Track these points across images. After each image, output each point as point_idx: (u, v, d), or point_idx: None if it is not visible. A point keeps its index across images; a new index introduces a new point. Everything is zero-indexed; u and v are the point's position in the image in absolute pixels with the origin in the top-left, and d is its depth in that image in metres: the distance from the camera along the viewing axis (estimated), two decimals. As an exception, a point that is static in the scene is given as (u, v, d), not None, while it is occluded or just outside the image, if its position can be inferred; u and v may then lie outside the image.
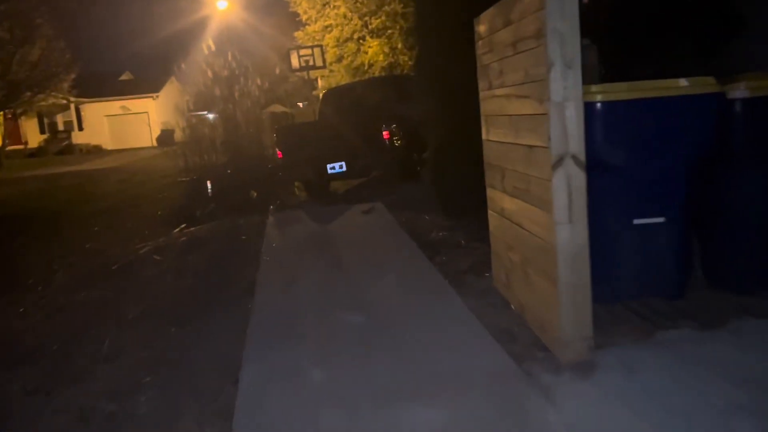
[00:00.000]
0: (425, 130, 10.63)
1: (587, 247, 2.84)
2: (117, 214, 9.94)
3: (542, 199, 2.92)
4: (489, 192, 3.97)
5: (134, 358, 3.65)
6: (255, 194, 10.01)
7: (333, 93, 10.94)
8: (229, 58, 16.69)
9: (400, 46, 22.21)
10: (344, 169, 8.91)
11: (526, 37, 2.94)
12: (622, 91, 3.01)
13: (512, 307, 3.61)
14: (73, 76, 26.75)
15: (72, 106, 32.07)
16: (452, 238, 5.43)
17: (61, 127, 33.34)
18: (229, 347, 3.53)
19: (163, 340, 3.91)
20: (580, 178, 2.79)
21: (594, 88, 3.07)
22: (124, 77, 33.50)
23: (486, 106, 3.82)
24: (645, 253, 3.20)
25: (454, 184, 5.77)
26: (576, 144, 2.77)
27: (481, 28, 3.75)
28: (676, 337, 2.87)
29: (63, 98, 29.91)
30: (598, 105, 3.01)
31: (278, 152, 9.27)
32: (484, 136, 3.94)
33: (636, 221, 3.17)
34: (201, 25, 25.16)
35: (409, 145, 9.34)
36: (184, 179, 12.26)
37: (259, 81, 13.40)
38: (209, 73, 16.86)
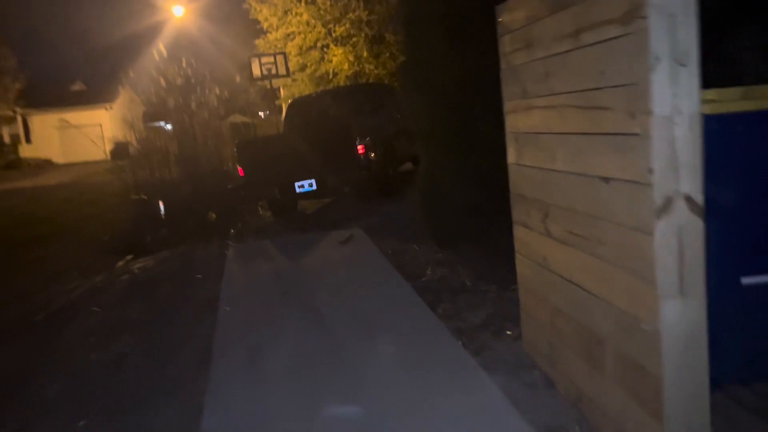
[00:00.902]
0: (404, 143, 9.70)
1: (705, 327, 1.91)
2: (56, 241, 8.65)
3: (629, 257, 1.97)
4: (519, 231, 2.99)
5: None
6: (213, 216, 8.88)
7: (299, 103, 9.89)
8: (186, 66, 15.46)
9: (365, 54, 21.29)
10: (314, 187, 7.87)
11: (601, 23, 1.99)
12: (739, 99, 2.08)
13: (560, 390, 2.65)
14: (18, 86, 24.91)
15: (19, 117, 30.08)
16: (454, 276, 4.45)
17: (6, 140, 31.19)
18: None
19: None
20: (696, 229, 1.85)
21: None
22: (76, 87, 31.53)
23: (517, 121, 2.85)
24: (758, 323, 2.29)
25: (450, 207, 4.81)
26: (691, 179, 1.83)
27: (511, 18, 2.78)
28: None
29: (9, 109, 27.96)
30: (705, 119, 2.07)
31: (239, 169, 8.16)
32: (512, 159, 2.97)
33: (746, 280, 2.25)
34: (157, 33, 23.78)
35: (385, 160, 8.37)
36: (136, 198, 11.01)
37: (217, 90, 12.28)
38: (165, 83, 15.60)
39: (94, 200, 12.55)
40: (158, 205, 9.11)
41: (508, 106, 2.95)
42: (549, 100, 2.48)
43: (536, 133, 2.64)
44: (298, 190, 7.89)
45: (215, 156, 11.09)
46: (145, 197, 9.66)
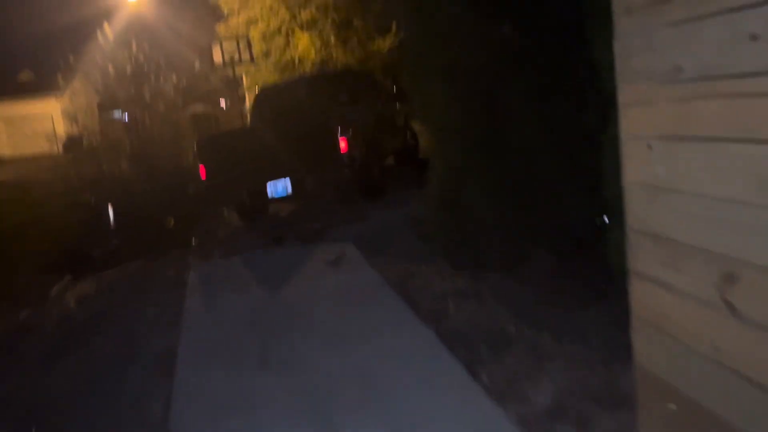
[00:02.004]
0: (387, 137, 8.52)
1: None
2: (-17, 256, 7.24)
3: None
4: (648, 293, 1.87)
5: None
6: (172, 221, 7.59)
7: (268, 92, 8.59)
8: (140, 53, 13.93)
9: (332, 40, 19.95)
10: (289, 190, 6.66)
11: None
12: None
13: None
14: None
15: (-42, 109, 27.63)
16: (487, 316, 3.34)
17: (-52, 133, 28.57)
18: None
19: None
20: None
21: None
22: (22, 76, 29.11)
23: (650, 117, 1.74)
24: None
25: (474, 222, 3.71)
26: None
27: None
28: None
29: (-51, 101, 25.55)
30: None
31: (201, 169, 6.87)
32: (633, 177, 1.86)
33: None
34: (108, 17, 21.91)
35: (369, 157, 7.20)
36: (86, 200, 9.59)
37: (176, 79, 10.91)
38: (119, 71, 14.05)
39: (37, 202, 11.00)
40: (108, 209, 7.76)
41: (626, 93, 1.84)
42: (749, 84, 1.38)
43: (707, 138, 1.54)
44: (270, 193, 6.67)
45: (173, 151, 9.75)
46: (93, 200, 8.27)
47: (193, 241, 6.62)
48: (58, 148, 24.79)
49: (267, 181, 6.52)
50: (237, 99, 21.63)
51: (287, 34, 20.06)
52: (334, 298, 3.91)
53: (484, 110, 3.41)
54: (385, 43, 20.45)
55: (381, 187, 7.34)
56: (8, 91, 27.06)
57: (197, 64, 20.46)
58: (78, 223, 8.04)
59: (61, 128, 25.17)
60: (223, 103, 33.83)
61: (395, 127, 9.14)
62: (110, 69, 14.95)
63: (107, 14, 20.96)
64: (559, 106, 3.26)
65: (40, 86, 27.23)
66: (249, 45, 14.06)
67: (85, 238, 7.23)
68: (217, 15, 20.62)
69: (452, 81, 3.43)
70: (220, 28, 19.92)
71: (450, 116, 3.53)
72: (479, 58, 3.34)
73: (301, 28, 19.98)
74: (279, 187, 6.62)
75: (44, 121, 25.90)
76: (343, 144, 6.57)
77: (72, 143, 21.46)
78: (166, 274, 5.14)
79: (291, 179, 6.56)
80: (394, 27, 20.62)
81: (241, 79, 21.45)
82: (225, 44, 14.22)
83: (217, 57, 14.16)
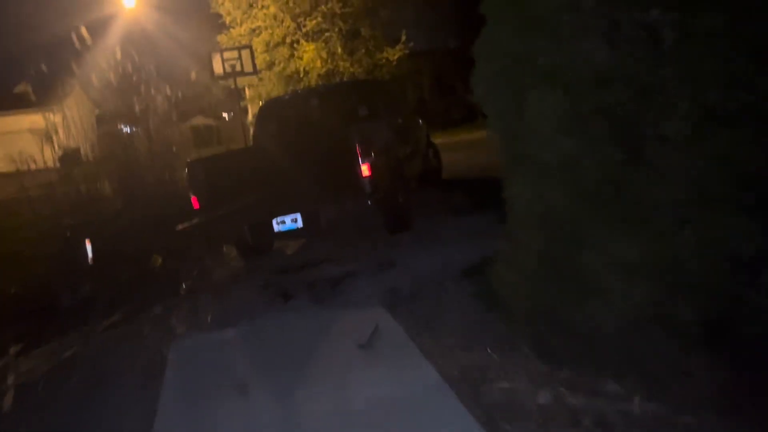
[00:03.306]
0: (412, 158, 7.19)
1: None
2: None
3: None
4: None
5: None
6: (159, 261, 6.24)
7: (274, 106, 7.23)
8: (139, 64, 12.67)
9: (339, 50, 18.70)
10: (299, 224, 5.31)
11: None
12: None
13: None
14: (-48, 87, 21.43)
15: (-47, 122, 26.32)
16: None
17: (-59, 147, 27.14)
18: None
19: None
20: None
21: None
22: (20, 89, 27.84)
23: None
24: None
25: (594, 297, 2.38)
26: None
27: None
28: None
29: (-57, 113, 24.29)
30: None
31: (193, 199, 5.53)
32: None
33: None
34: (107, 28, 20.66)
35: (395, 183, 5.87)
36: (66, 226, 8.23)
37: (168, 90, 9.62)
38: (117, 83, 12.78)
39: (17, 228, 9.65)
40: (84, 245, 6.39)
41: None
42: None
43: None
44: (277, 228, 5.33)
45: (171, 166, 8.41)
46: (70, 232, 6.91)
47: (182, 289, 5.27)
48: (54, 163, 23.51)
49: (273, 216, 5.18)
50: (239, 111, 20.35)
51: (292, 45, 18.83)
52: (372, 416, 2.54)
53: (627, 138, 2.08)
54: (394, 54, 19.23)
55: (409, 220, 6.01)
56: (4, 105, 25.81)
57: (198, 76, 19.21)
58: (50, 258, 6.68)
59: (58, 142, 23.82)
60: (225, 115, 32.53)
61: (419, 144, 7.83)
62: (108, 81, 13.75)
63: (105, 25, 19.72)
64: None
65: (37, 99, 25.98)
66: (252, 54, 12.76)
67: (54, 280, 5.87)
68: (218, 25, 19.39)
69: (576, 93, 2.10)
70: (222, 38, 18.69)
71: (565, 144, 2.18)
72: (625, 58, 2.01)
73: (307, 38, 18.76)
74: (287, 220, 5.28)
75: (40, 135, 24.59)
76: (364, 168, 5.23)
77: (68, 157, 20.12)
78: (140, 351, 3.77)
79: (302, 214, 5.22)
80: (403, 36, 19.43)
81: (243, 90, 20.16)
82: (226, 53, 12.91)
83: (218, 67, 12.85)
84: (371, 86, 7.27)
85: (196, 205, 5.53)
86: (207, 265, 6.04)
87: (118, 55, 13.69)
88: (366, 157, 5.24)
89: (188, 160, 5.91)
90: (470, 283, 4.04)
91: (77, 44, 13.38)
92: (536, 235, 2.49)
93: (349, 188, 5.28)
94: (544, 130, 2.21)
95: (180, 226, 5.08)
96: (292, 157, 5.76)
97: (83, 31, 13.42)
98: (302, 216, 5.23)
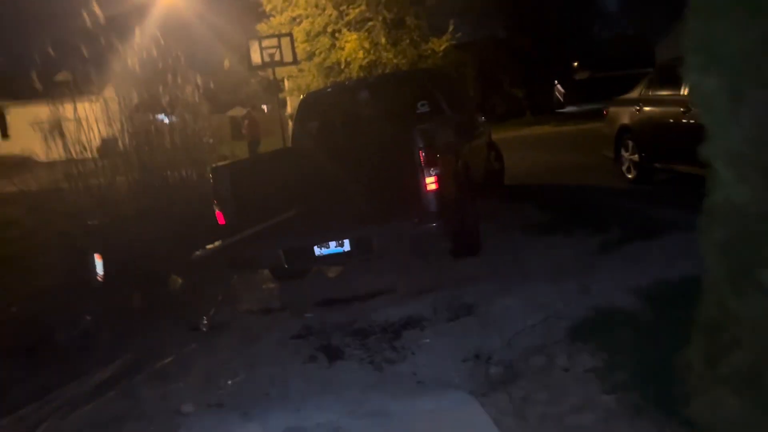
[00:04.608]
0: (479, 166, 5.91)
1: None
2: None
3: None
4: None
5: None
6: (179, 282, 5.19)
7: (318, 101, 5.98)
8: (177, 53, 11.69)
9: (383, 41, 17.45)
10: (346, 247, 4.14)
11: None
12: None
13: None
14: (-7, 74, 21.05)
15: (-9, 110, 26.12)
16: None
17: (-26, 136, 26.94)
18: None
19: None
20: None
21: None
22: (60, 77, 27.50)
23: None
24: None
25: None
26: None
27: None
28: None
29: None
30: None
31: (218, 214, 4.42)
32: None
33: None
34: (146, 15, 19.86)
35: (463, 197, 4.66)
36: (84, 231, 7.25)
37: (199, 80, 8.60)
38: (155, 72, 11.83)
39: (35, 229, 8.76)
40: (94, 260, 5.37)
41: None
42: None
43: None
44: (318, 252, 4.17)
45: (193, 174, 7.36)
46: (78, 245, 5.87)
47: (204, 325, 4.18)
48: (92, 152, 22.99)
49: (315, 242, 4.04)
50: (277, 104, 19.29)
51: (333, 34, 17.68)
52: None
53: None
54: (440, 44, 17.88)
55: (477, 241, 4.80)
56: (45, 93, 25.41)
57: (236, 66, 18.20)
58: (57, 272, 5.69)
59: (97, 131, 23.28)
60: (264, 106, 31.59)
61: (482, 146, 6.59)
62: (146, 69, 12.97)
63: (144, 13, 18.91)
64: None
65: (78, 88, 25.47)
66: (292, 42, 11.64)
67: (57, 301, 4.87)
68: (257, 14, 18.36)
69: None
70: (261, 27, 17.65)
71: None
72: None
73: (349, 27, 17.58)
74: (332, 247, 4.12)
75: (80, 124, 24.11)
76: (430, 180, 4.03)
77: (108, 146, 19.45)
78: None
79: (351, 239, 4.06)
80: (450, 26, 18.07)
81: (282, 82, 19.09)
82: (265, 42, 11.84)
83: (256, 56, 11.80)
84: (431, 77, 5.98)
85: (221, 219, 4.42)
86: (233, 290, 4.95)
87: (158, 44, 12.76)
88: (432, 166, 4.03)
89: (213, 166, 4.79)
90: (588, 353, 2.83)
91: (115, 34, 12.52)
92: None
93: (411, 204, 4.09)
94: None
95: (198, 252, 3.98)
96: (338, 164, 4.61)
97: (123, 19, 12.55)
98: (351, 241, 4.06)
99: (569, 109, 24.79)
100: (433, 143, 4.11)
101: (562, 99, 26.31)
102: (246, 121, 18.98)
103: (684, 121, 5.42)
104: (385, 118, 5.16)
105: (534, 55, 23.01)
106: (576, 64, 29.55)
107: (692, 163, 5.52)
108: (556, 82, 25.91)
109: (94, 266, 5.36)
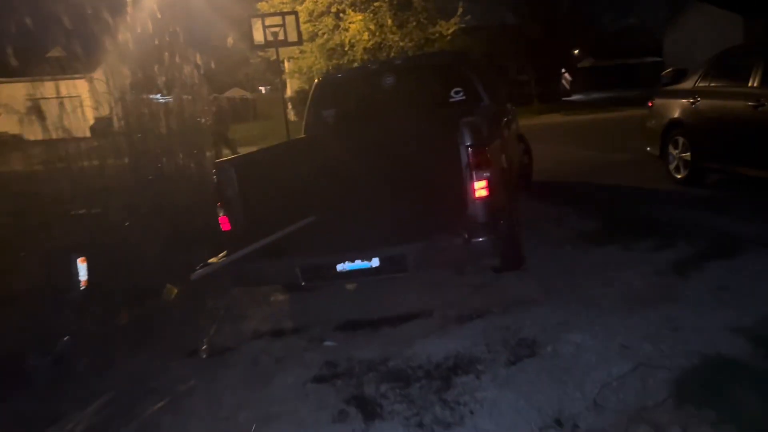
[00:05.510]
0: (513, 158, 5.11)
1: None
2: None
3: None
4: None
5: None
6: (174, 293, 4.44)
7: (335, 86, 5.08)
8: (175, 30, 10.81)
9: (389, 22, 16.57)
10: (375, 263, 3.41)
11: None
12: None
13: None
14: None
15: (-15, 87, 24.99)
16: None
17: (-31, 112, 25.78)
18: None
19: None
20: None
21: None
22: (53, 53, 26.42)
23: None
24: None
25: None
26: None
27: None
28: None
29: (-27, 77, 22.94)
30: None
31: (222, 218, 3.68)
32: None
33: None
34: (141, -9, 18.82)
35: (510, 206, 3.94)
36: (79, 213, 6.46)
37: (198, 59, 7.79)
38: (152, 50, 10.95)
39: (12, 217, 7.93)
40: (76, 265, 4.60)
41: None
42: None
43: None
44: (340, 267, 3.44)
45: (191, 163, 6.58)
46: (52, 249, 5.06)
47: (203, 350, 3.46)
48: (86, 131, 22.05)
49: (338, 260, 3.31)
50: (280, 85, 18.41)
51: (338, 14, 16.80)
52: None
53: None
54: (448, 27, 17.02)
55: (521, 253, 4.08)
56: (36, 70, 24.37)
57: (235, 46, 17.26)
58: (31, 275, 4.91)
59: (91, 110, 22.34)
60: (262, 88, 30.62)
61: (516, 140, 5.86)
62: (142, 46, 12.14)
63: (139, -14, 17.87)
64: None
65: (71, 65, 24.45)
66: (297, 20, 10.79)
67: (24, 320, 4.11)
68: (259, -9, 17.39)
69: None
70: (263, 6, 16.72)
71: None
72: None
73: (354, 7, 16.69)
74: (357, 263, 3.40)
75: (73, 102, 23.15)
76: (480, 185, 3.29)
77: (101, 126, 18.50)
78: None
79: (380, 256, 3.33)
80: (459, 8, 17.20)
81: (282, 63, 18.19)
82: (268, 20, 10.98)
83: (259, 35, 10.94)
84: (464, 60, 5.11)
85: (225, 225, 3.67)
86: (236, 302, 4.23)
87: (153, 21, 11.89)
88: (483, 167, 3.29)
89: (217, 161, 4.01)
90: (708, 426, 2.14)
91: (111, 10, 11.62)
92: None
93: (455, 216, 3.36)
94: None
95: (199, 269, 3.24)
96: (363, 161, 3.87)
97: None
98: (381, 258, 3.33)
99: (576, 97, 24.04)
100: (483, 140, 3.37)
101: (568, 87, 25.55)
102: (214, 109, 18.08)
103: (755, 117, 4.70)
104: (415, 106, 4.40)
105: (544, 43, 22.17)
106: (576, 52, 28.70)
107: (763, 167, 4.82)
108: (563, 70, 25.11)
109: (76, 270, 4.59)
